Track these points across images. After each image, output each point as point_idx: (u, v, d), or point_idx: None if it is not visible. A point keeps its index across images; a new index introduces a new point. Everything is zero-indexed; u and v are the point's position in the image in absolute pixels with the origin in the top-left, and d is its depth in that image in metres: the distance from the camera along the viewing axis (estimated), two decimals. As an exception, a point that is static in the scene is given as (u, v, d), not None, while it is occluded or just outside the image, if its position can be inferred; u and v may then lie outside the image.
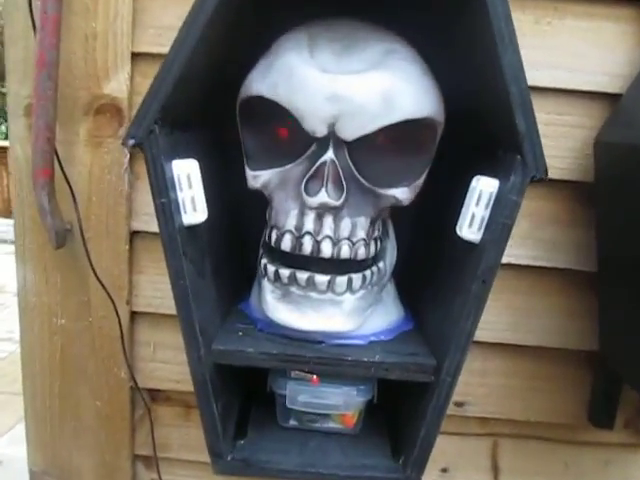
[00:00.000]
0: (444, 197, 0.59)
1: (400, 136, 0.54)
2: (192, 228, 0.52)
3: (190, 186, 0.51)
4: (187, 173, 0.51)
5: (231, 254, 0.70)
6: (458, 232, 0.53)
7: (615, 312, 0.77)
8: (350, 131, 0.51)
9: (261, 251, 0.60)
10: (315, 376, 0.57)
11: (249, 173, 0.57)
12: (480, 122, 0.56)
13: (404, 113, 0.51)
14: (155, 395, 0.92)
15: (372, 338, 0.60)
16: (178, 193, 0.50)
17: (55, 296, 0.84)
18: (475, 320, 0.51)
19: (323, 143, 0.52)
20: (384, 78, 0.50)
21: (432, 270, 0.64)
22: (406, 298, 0.69)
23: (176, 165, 0.50)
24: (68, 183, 0.77)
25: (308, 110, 0.50)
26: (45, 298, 0.85)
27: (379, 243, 0.58)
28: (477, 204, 0.51)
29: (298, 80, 0.50)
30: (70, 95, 0.77)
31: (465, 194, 0.53)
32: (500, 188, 0.50)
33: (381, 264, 0.59)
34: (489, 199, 0.50)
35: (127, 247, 0.82)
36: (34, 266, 0.84)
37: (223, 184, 0.67)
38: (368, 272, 0.57)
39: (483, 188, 0.51)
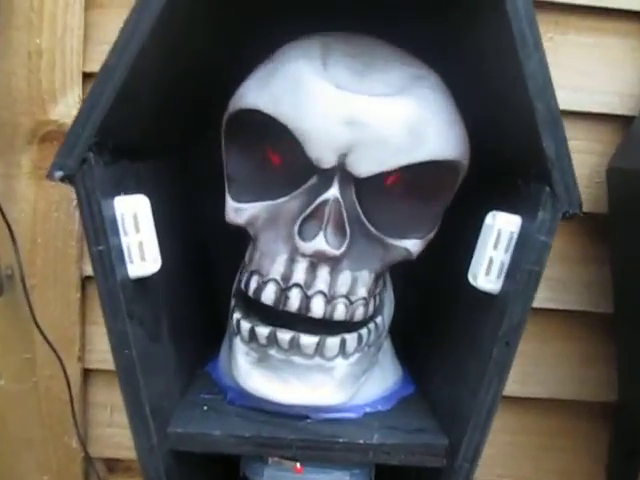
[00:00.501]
0: (449, 236, 0.49)
1: (420, 178, 0.44)
2: (141, 281, 0.42)
3: (137, 229, 0.40)
4: (133, 212, 0.40)
5: (196, 306, 0.59)
6: (471, 281, 0.43)
7: (635, 358, 0.69)
8: (365, 166, 0.41)
9: (233, 302, 0.50)
10: (299, 464, 0.46)
11: (231, 205, 0.47)
12: (494, 147, 0.47)
13: (431, 152, 0.42)
14: (113, 465, 0.80)
15: (367, 409, 0.49)
16: (122, 238, 0.40)
17: (-7, 353, 0.73)
18: (497, 391, 0.41)
19: (327, 176, 0.42)
20: (412, 107, 0.41)
21: (437, 324, 0.54)
22: (402, 353, 0.59)
23: (119, 202, 0.40)
24: (6, 222, 0.66)
25: (316, 133, 0.40)
26: (-19, 356, 0.73)
27: (378, 298, 0.48)
28: (495, 246, 0.41)
29: (307, 94, 0.40)
30: (10, 121, 0.67)
31: (476, 234, 0.44)
32: (524, 227, 0.40)
33: (379, 319, 0.49)
34: (509, 240, 0.41)
35: (78, 295, 0.71)
36: (-32, 319, 0.72)
37: (186, 223, 0.57)
38: (364, 331, 0.47)
39: (502, 227, 0.41)
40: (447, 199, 0.47)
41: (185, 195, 0.58)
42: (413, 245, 0.46)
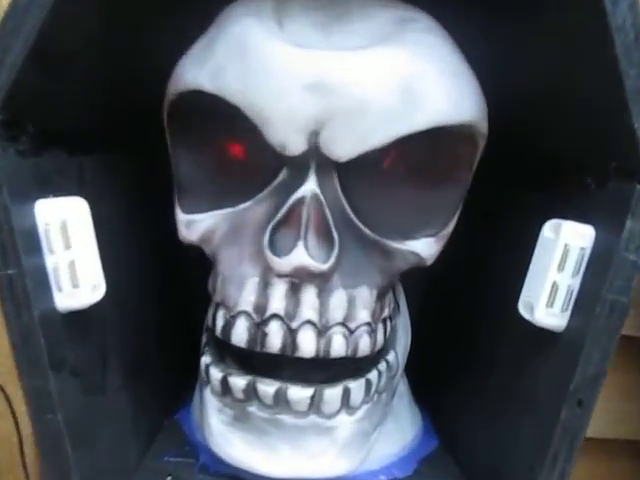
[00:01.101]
0: (488, 250, 0.38)
1: (424, 154, 0.33)
2: (76, 315, 0.30)
3: (68, 244, 0.29)
4: (62, 221, 0.29)
5: (164, 337, 0.47)
6: (524, 313, 0.32)
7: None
8: (344, 144, 0.30)
9: (204, 339, 0.39)
10: None
11: (181, 217, 0.36)
12: (552, 134, 0.36)
13: (435, 114, 0.31)
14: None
15: (381, 477, 0.38)
16: (46, 257, 0.29)
17: None
18: (567, 467, 0.30)
19: (299, 166, 0.31)
20: (402, 56, 0.30)
21: (470, 364, 0.43)
22: (417, 390, 0.48)
23: (43, 208, 0.29)
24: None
25: (274, 109, 0.30)
26: None
27: (389, 324, 0.37)
28: (560, 268, 0.30)
29: (256, 59, 0.30)
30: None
31: (526, 248, 0.33)
32: (600, 241, 0.29)
33: (391, 356, 0.38)
34: (579, 259, 0.30)
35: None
36: None
37: (152, 234, 0.45)
38: (374, 374, 0.36)
39: (569, 241, 0.30)
40: (465, 179, 0.35)
41: (152, 199, 0.47)
42: (424, 247, 0.34)
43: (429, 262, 0.35)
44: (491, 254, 0.39)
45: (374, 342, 0.35)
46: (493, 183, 0.37)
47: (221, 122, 0.32)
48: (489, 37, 0.34)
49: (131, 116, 0.40)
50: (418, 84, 0.30)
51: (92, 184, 0.35)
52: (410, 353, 0.44)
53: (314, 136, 0.30)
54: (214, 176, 0.35)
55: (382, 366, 0.37)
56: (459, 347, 0.45)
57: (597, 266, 0.29)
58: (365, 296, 0.34)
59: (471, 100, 0.33)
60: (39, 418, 0.28)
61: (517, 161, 0.38)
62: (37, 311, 0.28)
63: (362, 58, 0.29)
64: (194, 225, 0.35)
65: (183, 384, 0.47)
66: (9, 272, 0.27)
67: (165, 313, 0.48)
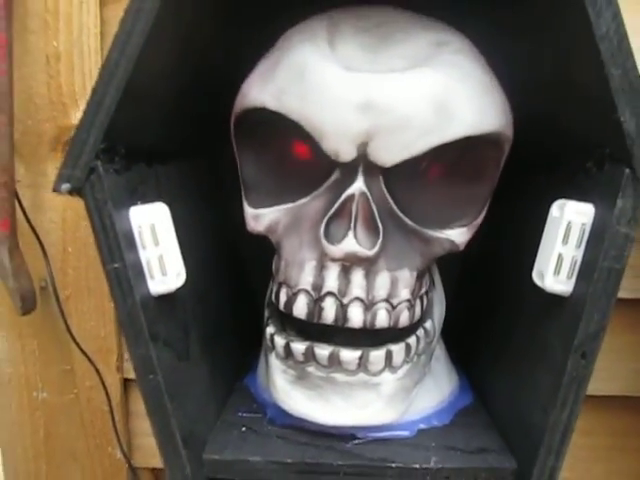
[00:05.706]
0: (507, 229, 0.43)
1: (457, 159, 0.39)
2: (164, 298, 0.38)
3: (157, 242, 0.36)
4: (151, 223, 0.36)
5: (231, 314, 0.55)
6: (537, 281, 0.38)
7: None
8: (389, 154, 0.37)
9: (266, 313, 0.46)
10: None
11: (249, 212, 0.43)
12: (557, 125, 0.41)
13: (465, 127, 0.37)
14: (160, 475, 0.78)
15: (421, 425, 0.44)
16: (140, 252, 0.36)
17: (33, 366, 0.72)
18: (574, 410, 0.35)
19: (350, 169, 0.38)
20: (437, 78, 0.36)
21: (497, 327, 0.48)
22: (455, 354, 0.53)
23: (136, 213, 0.36)
24: (36, 234, 0.64)
25: (329, 124, 0.36)
26: (22, 369, 0.72)
27: (425, 299, 0.43)
28: (565, 241, 0.35)
29: (314, 82, 0.36)
30: (32, 129, 0.64)
31: (539, 226, 0.38)
32: (599, 217, 0.34)
33: (428, 324, 0.44)
34: (581, 233, 0.35)
35: (113, 304, 0.69)
36: (7, 332, 0.71)
37: (217, 225, 0.53)
38: (413, 339, 0.42)
39: (572, 218, 0.35)
40: (493, 178, 0.41)
41: (216, 196, 0.54)
42: (458, 235, 0.41)
43: (462, 248, 0.41)
44: (510, 232, 0.44)
45: (412, 315, 0.41)
46: (507, 170, 0.42)
47: (281, 132, 0.39)
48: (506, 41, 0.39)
49: (199, 127, 0.47)
50: (450, 101, 0.36)
51: (167, 189, 0.43)
52: (446, 321, 0.49)
53: (363, 146, 0.36)
54: (276, 177, 0.42)
55: (420, 332, 0.43)
56: (486, 314, 0.51)
57: (596, 239, 0.34)
58: (406, 277, 0.40)
59: (497, 111, 0.39)
60: (144, 378, 0.36)
61: (528, 149, 0.43)
62: (137, 296, 0.35)
63: (403, 80, 0.35)
64: (260, 218, 0.42)
65: (248, 354, 0.55)
66: (115, 266, 0.34)
67: (233, 293, 0.56)
